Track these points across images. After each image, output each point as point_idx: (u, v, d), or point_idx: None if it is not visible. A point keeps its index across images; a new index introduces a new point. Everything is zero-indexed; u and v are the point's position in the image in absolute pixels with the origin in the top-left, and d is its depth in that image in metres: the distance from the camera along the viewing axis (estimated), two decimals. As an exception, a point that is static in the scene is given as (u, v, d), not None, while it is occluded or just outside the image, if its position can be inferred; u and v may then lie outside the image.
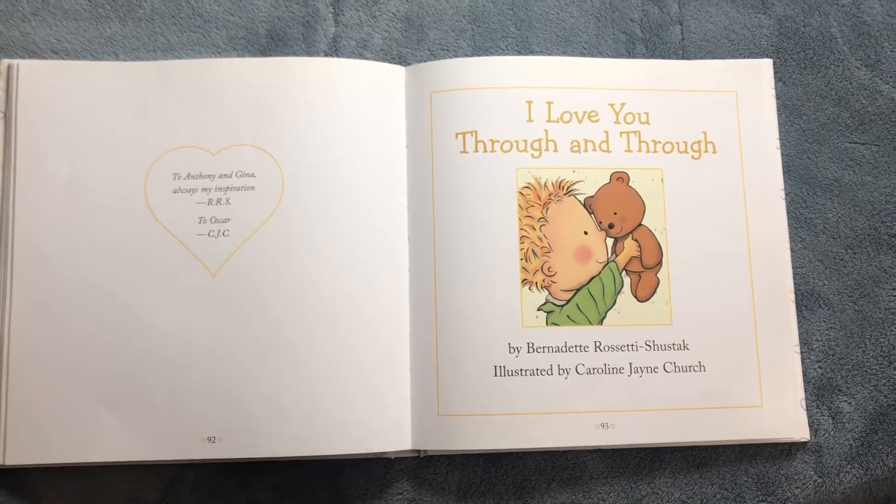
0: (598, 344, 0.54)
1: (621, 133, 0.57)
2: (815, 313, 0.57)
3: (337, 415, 0.52)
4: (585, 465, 0.55)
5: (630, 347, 0.54)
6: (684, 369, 0.54)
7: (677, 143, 0.57)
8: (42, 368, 0.52)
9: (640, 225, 0.56)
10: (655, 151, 0.57)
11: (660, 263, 0.55)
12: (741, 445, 0.55)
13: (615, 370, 0.54)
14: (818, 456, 0.55)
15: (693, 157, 0.57)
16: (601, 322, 0.54)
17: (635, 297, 0.55)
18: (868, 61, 0.60)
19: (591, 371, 0.54)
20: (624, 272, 0.55)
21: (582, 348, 0.54)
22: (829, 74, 0.60)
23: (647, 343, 0.54)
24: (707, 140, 0.57)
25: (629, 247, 0.56)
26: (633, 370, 0.54)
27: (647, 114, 0.57)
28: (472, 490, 0.54)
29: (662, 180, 0.56)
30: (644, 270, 0.55)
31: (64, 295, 0.53)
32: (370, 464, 0.54)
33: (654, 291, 0.55)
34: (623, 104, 0.57)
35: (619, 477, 0.55)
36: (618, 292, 0.55)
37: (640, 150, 0.57)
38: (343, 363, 0.52)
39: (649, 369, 0.54)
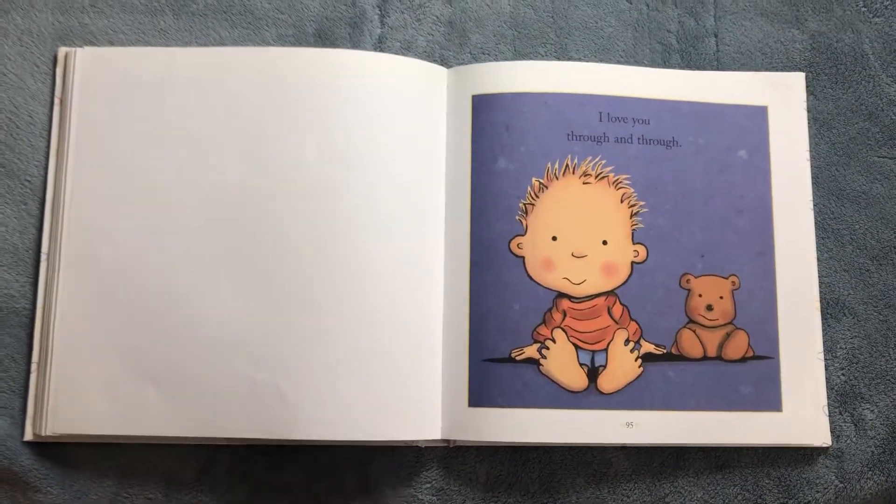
0: (627, 343, 0.55)
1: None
2: (840, 322, 0.58)
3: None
4: (611, 462, 0.56)
5: (659, 348, 0.55)
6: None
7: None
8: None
9: (671, 229, 0.57)
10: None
11: (690, 267, 0.57)
12: (763, 448, 0.56)
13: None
14: (840, 461, 0.56)
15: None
16: (631, 322, 0.56)
17: (666, 299, 0.56)
18: (899, 78, 0.61)
19: (620, 370, 0.55)
20: (655, 274, 0.57)
21: (612, 347, 0.55)
22: (859, 90, 0.61)
23: (676, 345, 0.56)
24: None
25: (661, 250, 0.57)
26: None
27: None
28: (500, 482, 0.55)
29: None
30: (675, 273, 0.57)
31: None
32: (400, 452, 0.55)
33: (685, 294, 0.56)
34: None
35: (643, 475, 0.56)
36: (648, 294, 0.56)
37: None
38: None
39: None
